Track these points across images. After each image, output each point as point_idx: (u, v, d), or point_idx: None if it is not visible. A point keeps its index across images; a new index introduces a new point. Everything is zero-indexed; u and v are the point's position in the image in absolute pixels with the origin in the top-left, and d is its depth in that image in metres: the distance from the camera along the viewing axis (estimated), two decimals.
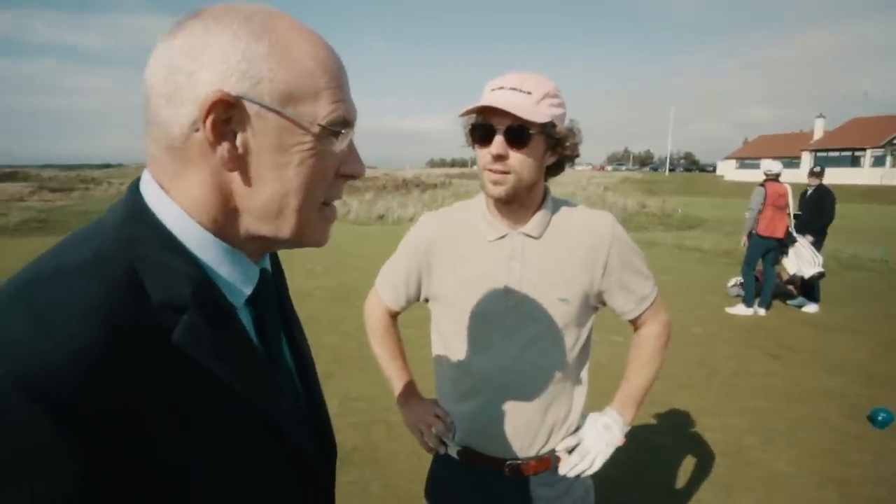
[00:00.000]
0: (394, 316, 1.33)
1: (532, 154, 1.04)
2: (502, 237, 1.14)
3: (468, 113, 1.05)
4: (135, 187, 0.51)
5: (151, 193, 0.50)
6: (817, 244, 6.23)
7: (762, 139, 55.27)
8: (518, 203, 1.10)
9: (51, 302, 0.41)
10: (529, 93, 1.01)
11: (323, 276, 7.43)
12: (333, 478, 0.69)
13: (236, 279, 0.53)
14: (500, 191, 1.06)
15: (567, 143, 1.08)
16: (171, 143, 0.48)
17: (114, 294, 0.43)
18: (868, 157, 40.40)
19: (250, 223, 0.52)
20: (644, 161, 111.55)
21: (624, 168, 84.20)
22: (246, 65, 0.47)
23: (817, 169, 6.50)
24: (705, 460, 2.94)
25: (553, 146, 1.08)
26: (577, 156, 1.12)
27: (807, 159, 42.92)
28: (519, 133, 1.01)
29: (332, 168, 0.54)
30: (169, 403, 0.44)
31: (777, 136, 53.96)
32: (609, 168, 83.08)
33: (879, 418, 3.34)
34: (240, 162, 0.49)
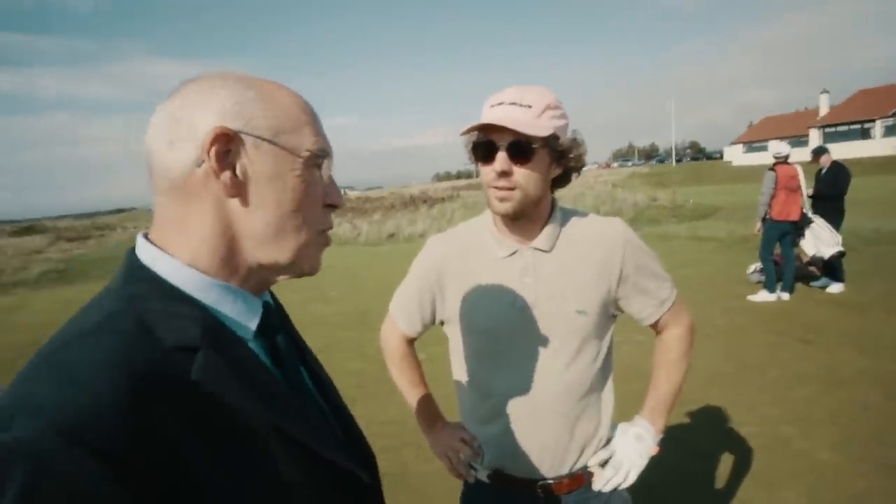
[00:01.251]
0: (411, 341, 1.32)
1: (536, 168, 1.02)
2: (513, 253, 1.12)
3: (469, 131, 1.05)
4: (130, 251, 0.56)
5: (146, 252, 0.55)
6: (837, 223, 6.12)
7: (767, 121, 54.69)
8: (526, 218, 1.09)
9: (74, 361, 0.45)
10: (530, 106, 1.00)
11: (338, 301, 7.44)
12: (380, 487, 0.71)
13: (241, 314, 0.57)
14: (506, 207, 1.04)
15: (571, 155, 1.07)
16: (174, 184, 0.54)
17: (129, 345, 0.47)
18: (878, 127, 39.69)
19: (251, 250, 0.57)
20: (650, 154, 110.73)
21: (630, 163, 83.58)
22: (239, 107, 0.54)
23: (821, 150, 6.44)
24: (744, 455, 2.87)
25: (557, 158, 1.06)
26: (583, 166, 1.11)
27: (815, 136, 42.34)
28: (522, 148, 1.00)
29: (320, 195, 0.60)
30: (198, 436, 0.47)
31: (782, 117, 53.39)
32: (615, 165, 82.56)
33: None
34: (240, 188, 0.54)
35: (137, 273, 0.53)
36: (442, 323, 1.25)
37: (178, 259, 0.54)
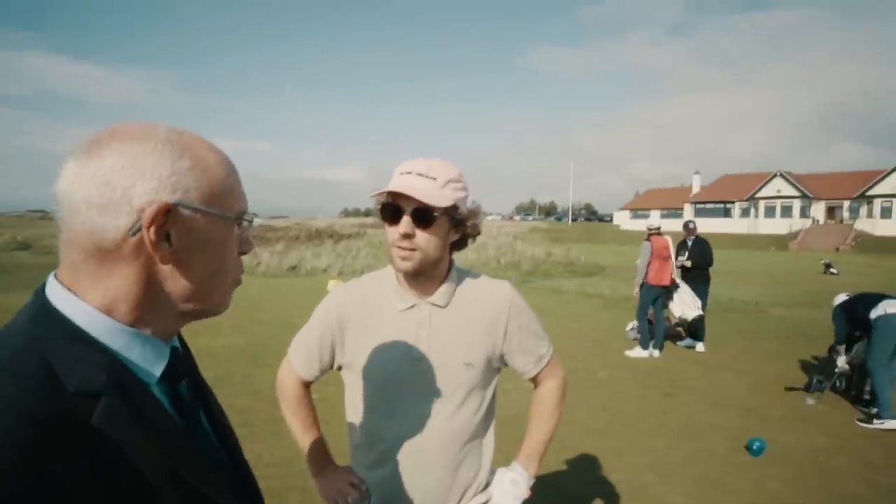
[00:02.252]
0: (307, 384, 1.35)
1: (437, 233, 1.15)
2: (411, 307, 1.23)
3: (380, 195, 1.16)
4: (40, 292, 0.56)
5: (58, 295, 0.55)
6: (706, 289, 6.99)
7: (651, 192, 61.05)
8: (425, 276, 1.20)
9: None
10: (434, 178, 1.13)
11: (230, 334, 7.04)
12: None
13: (148, 360, 0.58)
14: (407, 266, 1.15)
15: (469, 223, 1.21)
16: (102, 247, 0.54)
17: (30, 388, 0.47)
18: (737, 208, 46.14)
19: (173, 304, 0.59)
20: (549, 211, 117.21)
21: (531, 218, 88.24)
22: (176, 178, 0.56)
23: (692, 225, 7.34)
24: (610, 500, 3.12)
25: (456, 225, 1.19)
26: (479, 233, 1.26)
27: (688, 210, 48.05)
28: (424, 215, 1.12)
29: (235, 249, 0.65)
30: (96, 482, 0.47)
31: (663, 190, 59.89)
32: (517, 218, 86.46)
33: (754, 447, 3.74)
34: (172, 256, 0.57)
35: (45, 313, 0.54)
36: (339, 368, 1.31)
37: (89, 304, 0.54)
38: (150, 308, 0.57)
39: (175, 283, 0.58)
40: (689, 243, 7.27)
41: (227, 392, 4.61)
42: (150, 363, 0.58)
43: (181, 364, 0.65)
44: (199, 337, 6.66)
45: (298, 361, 1.32)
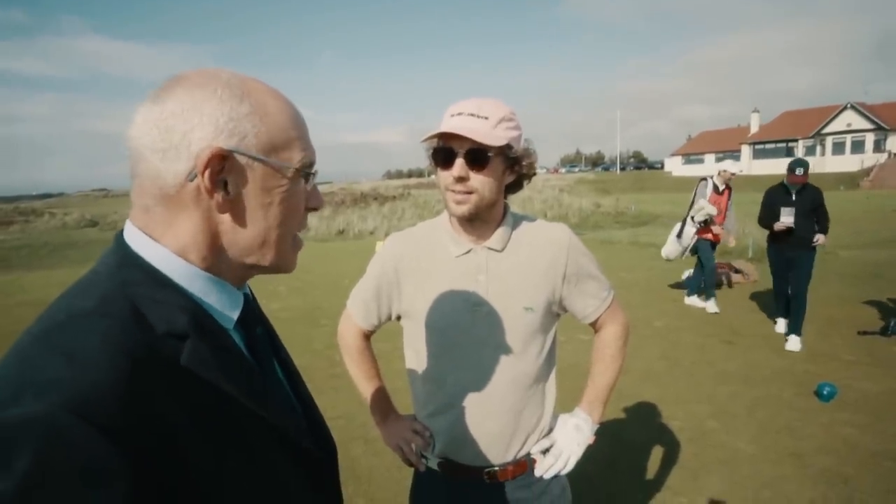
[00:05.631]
0: (367, 336, 1.37)
1: (491, 174, 1.10)
2: (468, 252, 1.20)
3: (430, 138, 1.11)
4: (120, 237, 0.58)
5: (137, 240, 0.56)
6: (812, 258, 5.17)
7: (704, 135, 57.83)
8: (480, 220, 1.16)
9: (73, 342, 0.46)
10: (486, 118, 1.08)
11: (286, 297, 7.31)
12: (338, 470, 0.76)
13: (224, 305, 0.59)
14: (462, 210, 1.12)
15: (524, 163, 1.15)
16: (166, 193, 0.55)
17: (125, 329, 0.49)
18: (801, 147, 43.03)
19: (236, 255, 0.59)
20: (596, 161, 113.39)
21: (577, 169, 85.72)
22: (233, 124, 0.55)
23: (799, 171, 4.82)
24: (672, 447, 3.09)
25: (511, 165, 1.14)
26: (535, 173, 1.20)
27: (746, 152, 45.29)
28: (478, 156, 1.07)
29: (302, 204, 0.63)
30: (189, 418, 0.49)
31: (718, 132, 56.59)
32: (563, 170, 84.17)
33: (825, 392, 3.58)
34: (230, 205, 0.56)
35: (128, 259, 0.55)
36: (399, 317, 1.31)
37: (166, 248, 0.55)
38: (217, 256, 0.58)
39: (235, 233, 0.58)
40: (794, 194, 4.80)
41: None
42: (227, 308, 0.60)
43: (253, 311, 0.66)
44: (258, 300, 6.95)
45: (358, 313, 1.33)
